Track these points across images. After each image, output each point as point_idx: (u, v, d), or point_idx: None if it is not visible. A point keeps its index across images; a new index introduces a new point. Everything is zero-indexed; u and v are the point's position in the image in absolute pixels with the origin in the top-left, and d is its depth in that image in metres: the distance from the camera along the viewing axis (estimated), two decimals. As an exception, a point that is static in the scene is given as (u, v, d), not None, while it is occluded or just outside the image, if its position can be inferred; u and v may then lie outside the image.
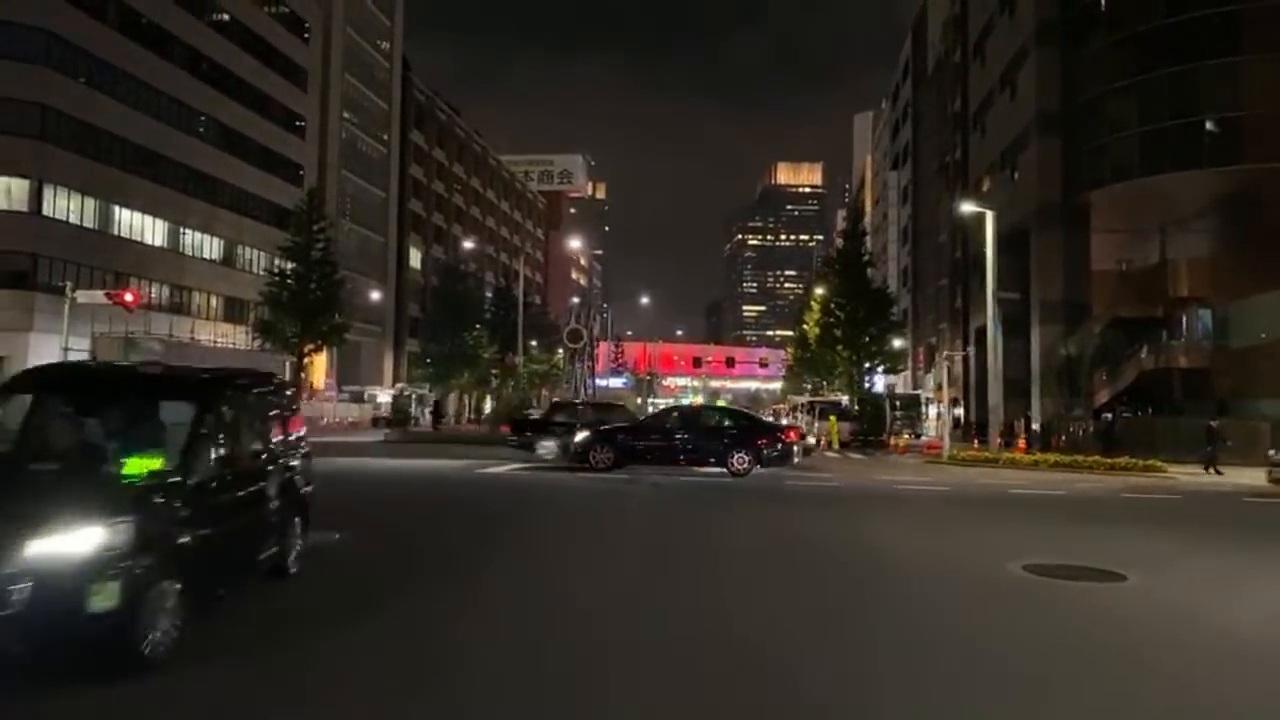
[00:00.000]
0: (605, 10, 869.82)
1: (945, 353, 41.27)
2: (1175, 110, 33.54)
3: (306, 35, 59.74)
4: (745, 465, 18.62)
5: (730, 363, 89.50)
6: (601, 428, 19.74)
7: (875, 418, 42.24)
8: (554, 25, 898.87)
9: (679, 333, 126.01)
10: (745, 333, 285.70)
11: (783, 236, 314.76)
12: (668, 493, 15.85)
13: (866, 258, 50.85)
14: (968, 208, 34.15)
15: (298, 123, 58.48)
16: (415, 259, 76.47)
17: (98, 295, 34.67)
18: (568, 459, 20.10)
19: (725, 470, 18.68)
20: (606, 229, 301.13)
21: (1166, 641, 5.96)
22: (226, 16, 51.47)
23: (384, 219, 71.04)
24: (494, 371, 60.98)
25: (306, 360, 52.09)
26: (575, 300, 64.74)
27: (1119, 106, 35.60)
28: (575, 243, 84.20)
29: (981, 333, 47.88)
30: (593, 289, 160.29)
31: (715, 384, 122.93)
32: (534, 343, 73.72)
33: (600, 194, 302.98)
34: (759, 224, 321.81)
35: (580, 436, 19.46)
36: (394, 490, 15.99)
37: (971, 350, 47.49)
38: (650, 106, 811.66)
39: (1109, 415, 35.60)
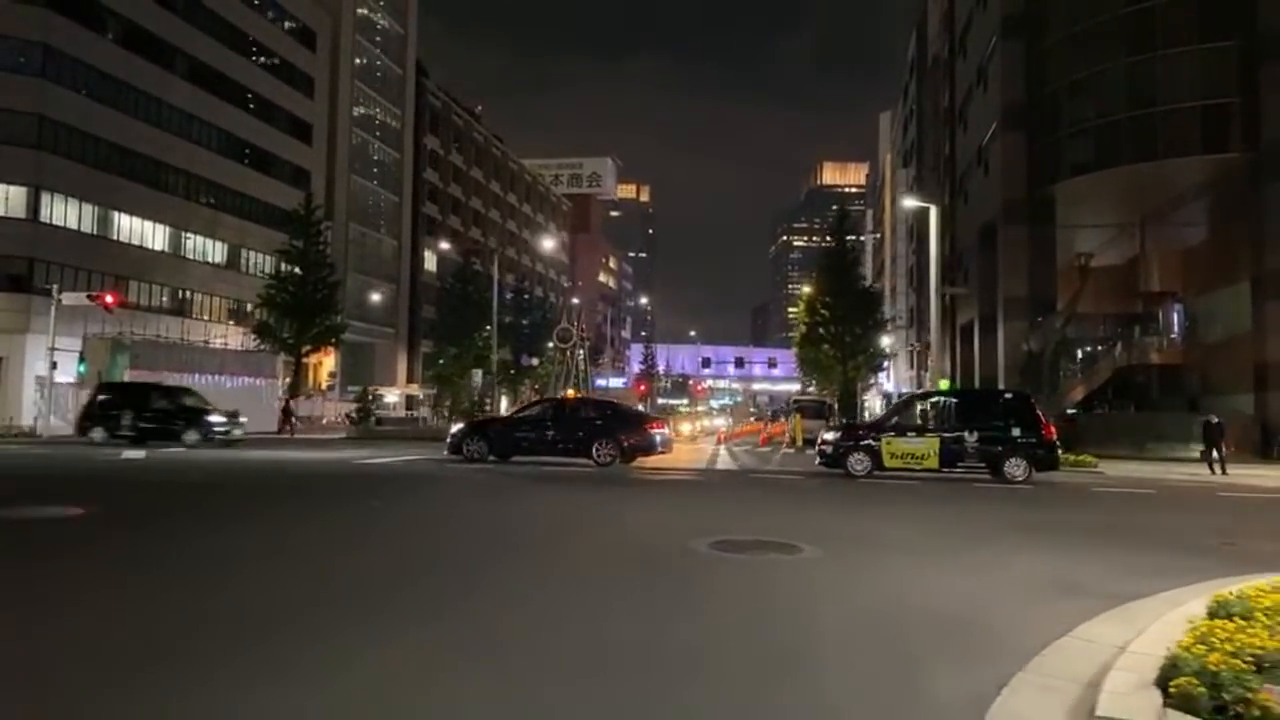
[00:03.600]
0: (652, 14, 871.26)
1: (896, 351, 40.97)
2: (1132, 101, 33.02)
3: (314, 43, 61.46)
4: (608, 456, 19.09)
5: (740, 363, 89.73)
6: (476, 420, 20.37)
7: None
8: (601, 29, 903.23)
9: (691, 333, 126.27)
10: (791, 334, 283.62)
11: (828, 237, 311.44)
12: (506, 479, 16.33)
13: (853, 255, 50.76)
14: (910, 202, 34.02)
15: (304, 129, 60.16)
16: (431, 262, 77.84)
17: (81, 297, 36.48)
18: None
19: (592, 460, 19.19)
20: (650, 231, 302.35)
21: (778, 614, 5.88)
22: (231, 26, 53.23)
23: (398, 222, 72.60)
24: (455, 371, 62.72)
25: (314, 361, 53.65)
26: (575, 301, 65.43)
27: (1079, 99, 35.15)
28: (549, 243, 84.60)
29: (967, 330, 47.57)
30: (623, 291, 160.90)
31: (757, 386, 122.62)
32: (550, 344, 74.69)
33: (644, 197, 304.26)
34: (805, 225, 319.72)
35: (455, 429, 20.15)
36: (221, 478, 15.93)
37: (969, 347, 47.07)
38: (698, 108, 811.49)
39: (1071, 412, 35.15)
